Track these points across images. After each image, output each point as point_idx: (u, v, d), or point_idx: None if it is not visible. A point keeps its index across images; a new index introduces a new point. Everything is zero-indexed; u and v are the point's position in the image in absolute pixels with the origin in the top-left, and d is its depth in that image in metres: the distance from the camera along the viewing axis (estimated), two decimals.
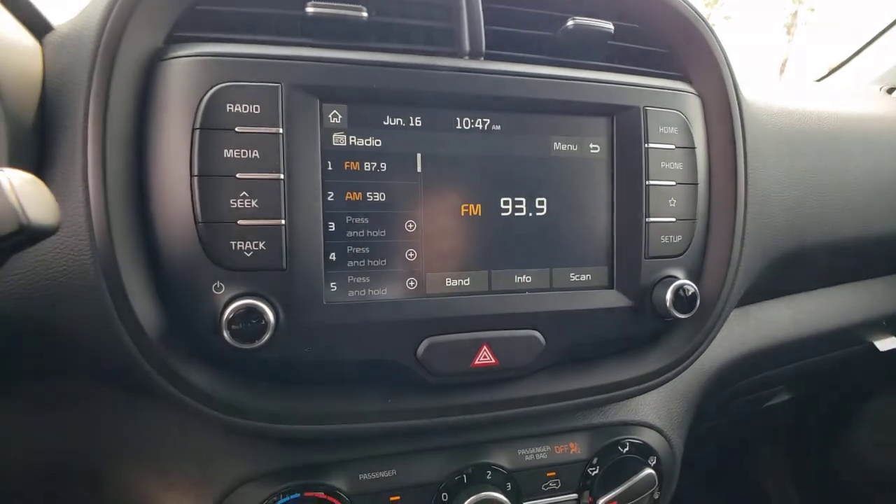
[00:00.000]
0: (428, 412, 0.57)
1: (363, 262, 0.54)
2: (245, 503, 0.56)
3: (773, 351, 0.90)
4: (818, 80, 1.30)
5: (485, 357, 0.57)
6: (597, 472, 0.66)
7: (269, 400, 0.53)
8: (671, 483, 0.73)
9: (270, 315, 0.48)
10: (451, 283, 0.57)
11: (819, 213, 0.80)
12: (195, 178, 0.48)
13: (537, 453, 0.64)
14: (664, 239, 0.62)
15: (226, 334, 0.47)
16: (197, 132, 0.48)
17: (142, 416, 0.58)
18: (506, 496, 0.61)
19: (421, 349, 0.55)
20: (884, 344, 1.08)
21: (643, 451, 0.68)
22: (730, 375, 0.85)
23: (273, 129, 0.49)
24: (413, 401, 0.57)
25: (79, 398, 0.59)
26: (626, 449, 0.68)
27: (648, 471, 0.66)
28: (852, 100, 0.97)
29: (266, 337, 0.48)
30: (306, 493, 0.56)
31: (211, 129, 0.48)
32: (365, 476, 0.59)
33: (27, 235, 0.33)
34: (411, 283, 0.56)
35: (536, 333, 0.58)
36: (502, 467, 0.63)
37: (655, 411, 0.72)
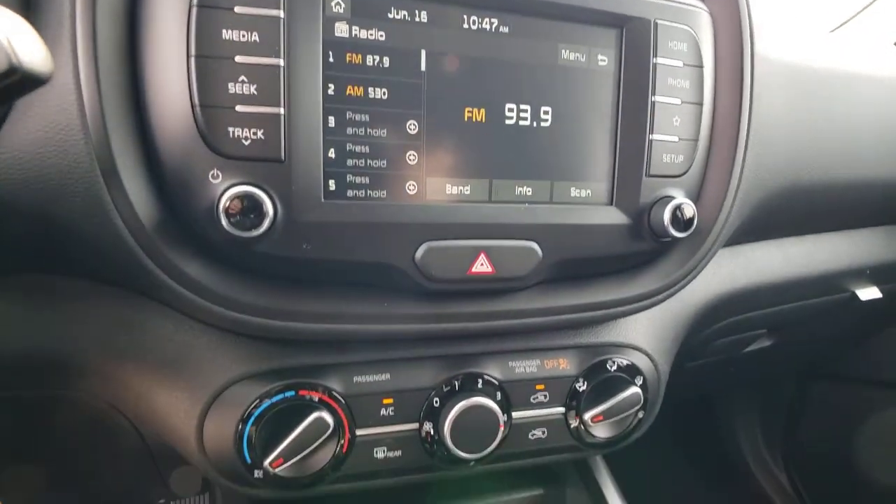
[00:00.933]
0: (423, 318, 0.57)
1: (363, 161, 0.53)
2: (239, 400, 0.56)
3: (760, 291, 0.91)
4: (832, 31, 1.28)
5: (482, 265, 0.57)
6: (584, 387, 0.68)
7: (266, 296, 0.53)
8: (654, 406, 0.75)
9: (269, 204, 0.47)
10: (451, 189, 0.56)
11: (818, 152, 0.80)
12: (192, 59, 0.46)
13: (527, 366, 0.66)
14: (666, 158, 0.62)
15: (223, 221, 0.46)
16: (195, 9, 0.46)
17: (135, 314, 0.58)
18: (496, 405, 0.62)
19: (419, 253, 0.54)
20: (865, 293, 1.11)
21: (630, 371, 0.70)
22: (718, 311, 0.87)
23: (273, 12, 0.47)
24: (409, 306, 0.57)
25: (71, 294, 0.58)
26: (615, 368, 0.69)
27: (634, 389, 0.68)
28: (862, 49, 0.96)
29: (264, 226, 0.47)
30: (301, 392, 0.57)
31: (209, 7, 0.46)
32: (359, 378, 0.59)
33: (19, 77, 0.31)
34: (411, 187, 0.55)
35: (534, 245, 0.58)
36: (493, 377, 0.64)
37: (644, 336, 0.74)
